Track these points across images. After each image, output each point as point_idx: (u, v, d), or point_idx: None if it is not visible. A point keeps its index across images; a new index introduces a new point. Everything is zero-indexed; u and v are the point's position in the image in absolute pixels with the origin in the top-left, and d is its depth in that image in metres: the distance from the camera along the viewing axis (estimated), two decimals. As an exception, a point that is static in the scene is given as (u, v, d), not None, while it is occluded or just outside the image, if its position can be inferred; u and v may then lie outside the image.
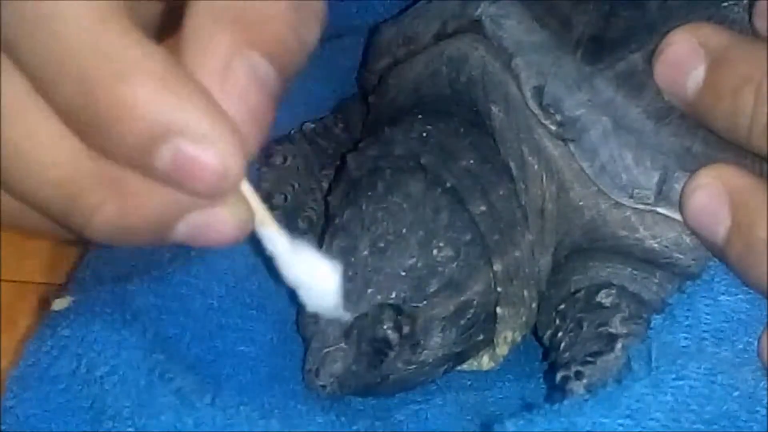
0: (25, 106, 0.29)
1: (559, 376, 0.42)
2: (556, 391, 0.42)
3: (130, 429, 0.40)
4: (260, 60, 0.30)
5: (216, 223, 0.31)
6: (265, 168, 0.51)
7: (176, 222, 0.31)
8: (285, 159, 0.51)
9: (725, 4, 0.44)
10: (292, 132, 0.52)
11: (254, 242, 0.33)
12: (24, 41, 0.28)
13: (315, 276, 0.34)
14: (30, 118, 0.30)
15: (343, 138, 0.53)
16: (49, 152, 0.30)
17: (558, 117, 0.44)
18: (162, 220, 0.31)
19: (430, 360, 0.43)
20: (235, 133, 0.29)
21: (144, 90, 0.28)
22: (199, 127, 0.29)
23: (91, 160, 0.30)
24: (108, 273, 0.46)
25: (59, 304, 0.44)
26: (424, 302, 0.42)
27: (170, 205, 0.31)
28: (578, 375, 0.41)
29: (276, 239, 0.33)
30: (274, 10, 0.30)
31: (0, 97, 0.29)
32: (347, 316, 0.41)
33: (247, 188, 0.31)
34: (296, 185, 0.50)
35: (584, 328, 0.43)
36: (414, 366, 0.43)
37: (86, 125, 0.29)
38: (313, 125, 0.53)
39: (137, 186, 0.30)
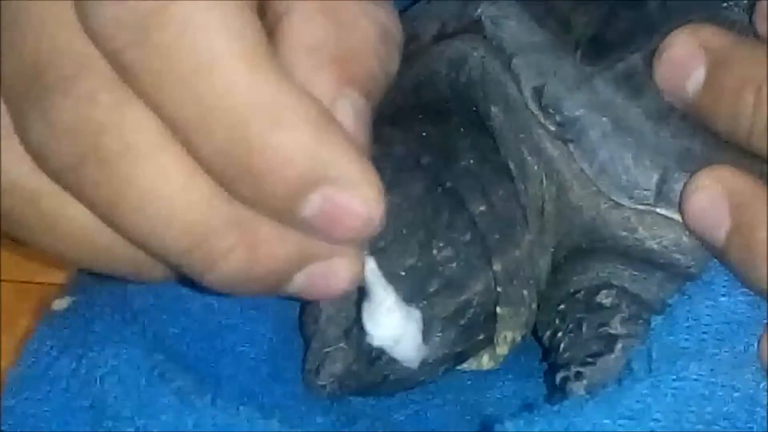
0: (158, 145, 0.29)
1: (558, 376, 0.42)
2: (556, 392, 0.42)
3: (130, 429, 0.40)
4: (359, 97, 0.30)
5: (333, 274, 0.31)
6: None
7: (298, 272, 0.31)
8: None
9: (725, 4, 0.44)
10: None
11: None
12: (170, 89, 0.28)
13: (406, 327, 0.35)
14: (163, 159, 0.29)
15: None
16: (183, 195, 0.29)
17: (557, 117, 0.44)
18: (286, 270, 0.31)
19: (431, 359, 0.43)
20: (378, 180, 0.29)
21: (302, 137, 0.28)
22: (349, 175, 0.29)
23: (224, 204, 0.29)
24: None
25: (59, 304, 0.44)
26: (424, 302, 0.42)
27: (299, 254, 0.30)
28: (578, 376, 0.41)
29: (377, 284, 0.33)
30: (366, 45, 0.30)
31: (133, 138, 0.29)
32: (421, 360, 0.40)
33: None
34: None
35: (584, 329, 0.43)
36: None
37: (233, 173, 0.29)
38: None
39: (270, 233, 0.30)
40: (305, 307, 0.44)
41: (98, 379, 0.41)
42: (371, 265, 0.33)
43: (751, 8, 0.43)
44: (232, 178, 0.29)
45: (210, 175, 0.29)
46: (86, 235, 0.31)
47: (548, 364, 0.44)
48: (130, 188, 0.29)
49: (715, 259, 0.40)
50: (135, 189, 0.29)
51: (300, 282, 0.31)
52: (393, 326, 0.35)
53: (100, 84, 0.29)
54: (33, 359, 0.42)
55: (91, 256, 0.32)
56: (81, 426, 0.41)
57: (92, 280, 0.45)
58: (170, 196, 0.29)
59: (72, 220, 0.31)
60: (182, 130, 0.29)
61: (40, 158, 0.30)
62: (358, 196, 0.29)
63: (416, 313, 0.37)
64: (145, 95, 0.29)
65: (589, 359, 0.41)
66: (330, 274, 0.31)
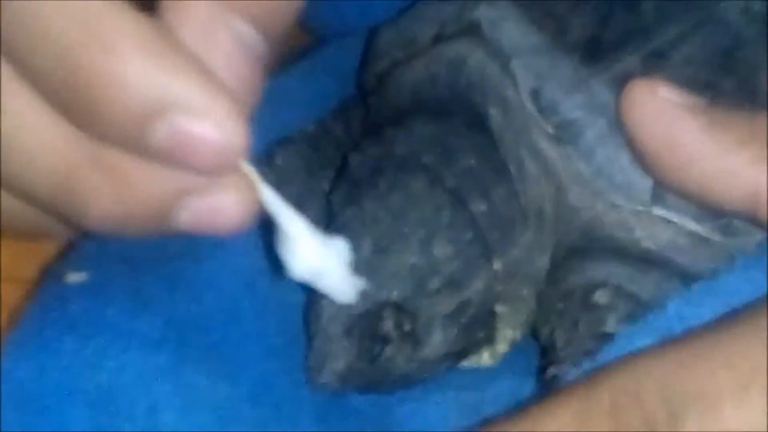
0: (11, 92, 0.28)
1: (549, 373, 0.42)
2: (545, 389, 0.42)
3: (127, 426, 0.41)
4: (245, 26, 0.28)
5: (220, 207, 0.30)
6: (265, 169, 0.51)
7: (177, 208, 0.29)
8: (285, 160, 0.51)
9: (721, 5, 0.44)
10: (293, 133, 0.53)
11: (264, 242, 0.32)
12: (6, 24, 0.27)
13: (326, 257, 0.33)
14: (17, 105, 0.28)
15: (344, 139, 0.53)
16: (40, 140, 0.29)
17: (555, 119, 0.44)
18: (162, 206, 0.29)
19: (431, 357, 0.43)
20: (234, 104, 0.28)
21: (133, 61, 0.27)
22: (195, 99, 0.27)
23: (84, 146, 0.29)
24: (113, 249, 0.45)
25: (72, 277, 0.43)
26: (426, 300, 0.43)
27: (169, 189, 0.29)
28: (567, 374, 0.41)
29: (285, 216, 0.31)
30: None
31: None
32: (354, 300, 0.40)
33: (249, 168, 0.30)
34: (297, 186, 0.50)
35: (580, 328, 0.43)
36: (415, 363, 0.43)
37: (73, 106, 0.28)
38: (313, 126, 0.53)
39: (133, 170, 0.29)
40: (310, 304, 0.44)
41: (104, 370, 0.41)
42: (269, 194, 0.31)
43: (747, 9, 0.43)
44: (75, 114, 0.28)
45: (55, 110, 0.28)
46: None
47: (545, 363, 0.44)
48: None
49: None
50: None
51: (186, 218, 0.30)
52: (310, 257, 0.32)
53: None
54: (35, 327, 0.42)
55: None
56: (77, 408, 0.40)
57: (102, 255, 0.45)
58: (29, 138, 0.28)
59: None
60: (22, 68, 0.28)
61: None
62: (208, 123, 0.27)
63: (338, 242, 0.35)
64: None
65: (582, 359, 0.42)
66: (217, 207, 0.30)
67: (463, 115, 0.47)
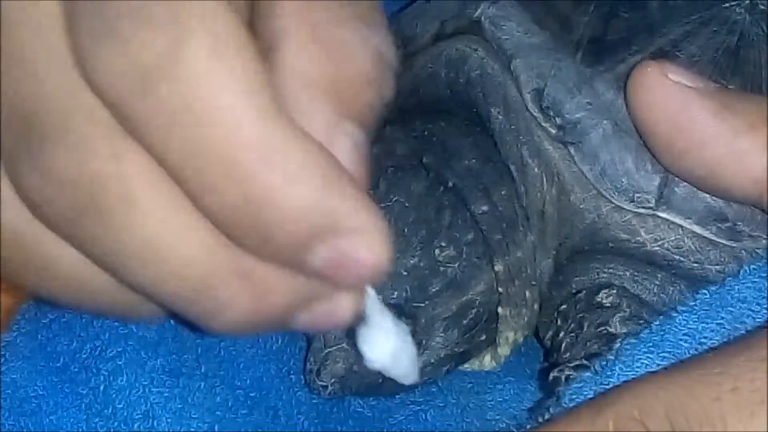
0: (159, 197, 0.28)
1: (551, 375, 0.42)
2: (547, 393, 0.42)
3: (123, 430, 0.40)
4: (356, 129, 0.29)
5: (337, 310, 0.31)
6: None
7: (301, 312, 0.31)
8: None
9: (726, 5, 0.44)
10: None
11: None
12: (175, 141, 0.27)
13: (402, 349, 0.34)
14: (164, 211, 0.28)
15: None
16: (185, 246, 0.29)
17: (558, 120, 0.44)
18: (290, 312, 0.30)
19: (432, 360, 0.43)
20: (384, 224, 0.29)
21: (310, 191, 0.28)
22: (357, 224, 0.28)
23: (227, 253, 0.29)
24: None
25: None
26: (426, 302, 0.42)
27: (302, 298, 0.30)
28: (569, 379, 0.41)
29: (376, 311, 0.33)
30: (361, 74, 0.29)
31: (133, 188, 0.28)
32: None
33: None
34: None
35: (585, 329, 0.43)
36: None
37: (240, 225, 0.28)
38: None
39: (275, 280, 0.29)
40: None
41: (100, 373, 0.41)
42: (371, 293, 0.33)
43: (752, 8, 0.43)
44: (239, 231, 0.28)
45: (215, 226, 0.29)
46: (81, 280, 0.31)
47: (548, 365, 0.44)
48: (131, 240, 0.28)
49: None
50: (135, 241, 0.28)
51: (304, 320, 0.31)
52: (390, 348, 0.34)
53: (98, 133, 0.28)
54: (29, 328, 0.42)
55: (86, 298, 0.32)
56: (72, 410, 0.40)
57: None
58: (172, 247, 0.29)
59: (67, 265, 0.30)
60: (187, 183, 0.28)
61: (35, 208, 0.29)
62: (365, 246, 0.28)
63: (407, 329, 0.36)
64: (148, 146, 0.28)
65: (585, 362, 0.41)
66: (334, 309, 0.31)
67: (463, 115, 0.46)
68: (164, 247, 0.29)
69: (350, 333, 0.41)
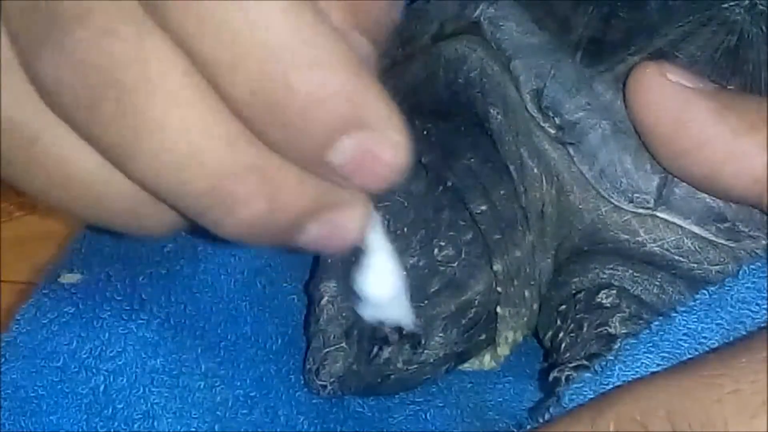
0: (182, 81, 0.28)
1: (551, 376, 0.42)
2: (547, 393, 0.42)
3: (123, 430, 0.40)
4: (363, 40, 0.29)
5: (343, 225, 0.30)
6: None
7: (312, 220, 0.30)
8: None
9: (726, 5, 0.44)
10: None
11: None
12: (200, 24, 0.27)
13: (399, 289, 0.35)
14: (186, 95, 0.28)
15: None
16: (205, 134, 0.28)
17: (557, 120, 0.44)
18: (302, 219, 0.30)
19: (431, 360, 0.43)
20: (404, 125, 0.28)
21: (339, 78, 0.27)
22: (382, 119, 0.28)
23: (248, 147, 0.28)
24: (108, 249, 0.45)
25: (68, 278, 0.43)
26: (425, 302, 0.42)
27: (316, 203, 0.30)
28: (569, 379, 0.41)
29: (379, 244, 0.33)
30: None
31: (152, 71, 0.28)
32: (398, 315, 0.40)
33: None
34: None
35: (584, 329, 0.43)
36: (415, 365, 0.43)
37: (265, 115, 0.28)
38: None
39: (292, 181, 0.29)
40: (311, 307, 0.44)
41: (100, 372, 0.41)
42: (376, 223, 0.33)
43: (751, 8, 0.43)
44: (263, 120, 0.28)
45: (238, 115, 0.28)
46: (92, 182, 0.30)
47: (548, 366, 0.44)
48: (149, 125, 0.28)
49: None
50: (154, 126, 0.28)
51: (313, 233, 0.30)
52: (389, 287, 0.34)
53: (122, 15, 0.27)
54: (28, 327, 0.42)
55: (95, 205, 0.31)
56: (72, 410, 0.40)
57: (96, 256, 0.45)
58: (191, 134, 0.28)
59: (77, 164, 0.30)
60: (211, 67, 0.27)
61: (51, 95, 0.29)
62: (389, 143, 0.28)
63: (404, 275, 0.37)
64: (172, 30, 0.27)
65: (585, 362, 0.41)
66: (341, 225, 0.30)
67: (462, 115, 0.46)
68: (184, 136, 0.28)
69: (350, 332, 0.42)
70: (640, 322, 0.42)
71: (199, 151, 0.28)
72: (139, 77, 0.28)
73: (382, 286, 0.34)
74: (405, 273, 0.36)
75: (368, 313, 0.35)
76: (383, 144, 0.28)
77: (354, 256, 0.34)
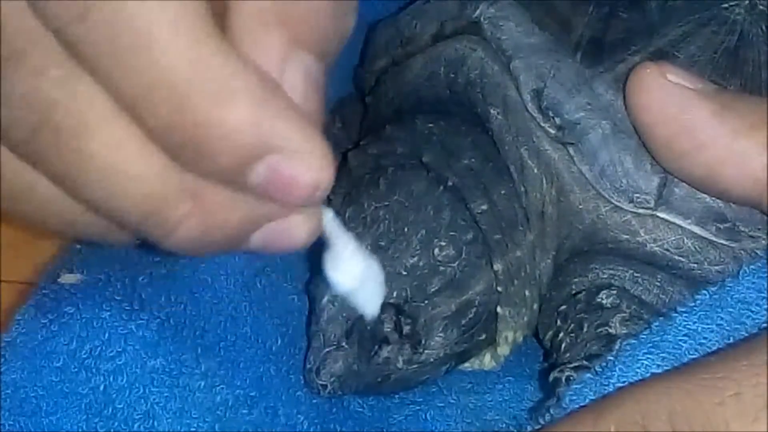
0: (108, 118, 0.29)
1: (551, 376, 0.42)
2: (547, 394, 0.42)
3: (123, 430, 0.40)
4: (311, 58, 0.30)
5: (291, 230, 0.32)
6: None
7: (254, 232, 0.31)
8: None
9: (726, 5, 0.44)
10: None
11: None
12: (113, 64, 0.28)
13: (367, 276, 0.36)
14: (113, 132, 0.29)
15: (341, 137, 0.53)
16: (136, 167, 0.30)
17: (557, 120, 0.44)
18: (241, 232, 0.31)
19: (431, 359, 0.43)
20: (324, 145, 0.29)
21: (244, 111, 0.28)
22: (293, 144, 0.29)
23: (176, 174, 0.30)
24: (108, 249, 0.45)
25: (67, 278, 0.43)
26: (426, 302, 0.42)
27: (252, 217, 0.31)
28: (569, 380, 0.41)
29: (340, 237, 0.34)
30: (316, 4, 0.30)
31: (83, 111, 0.29)
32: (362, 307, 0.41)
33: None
34: None
35: (584, 329, 0.43)
36: (415, 365, 0.43)
37: (179, 146, 0.29)
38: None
39: (221, 199, 0.30)
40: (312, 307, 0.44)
41: (100, 372, 0.41)
42: (329, 215, 0.34)
43: (752, 8, 0.43)
44: (179, 151, 0.29)
45: (160, 148, 0.29)
46: (55, 205, 0.32)
47: (548, 366, 0.44)
48: (84, 160, 0.29)
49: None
50: (88, 161, 0.29)
51: (258, 240, 0.32)
52: (355, 272, 0.35)
53: (50, 59, 0.29)
54: (27, 328, 0.42)
55: (63, 223, 0.33)
56: (72, 411, 0.40)
57: (96, 257, 0.45)
58: (122, 167, 0.30)
59: (40, 191, 0.31)
60: (128, 104, 0.29)
61: (2, 133, 0.30)
62: (303, 165, 0.29)
63: (374, 260, 0.38)
64: (92, 70, 0.29)
65: (585, 362, 0.41)
66: (287, 230, 0.32)
67: (463, 115, 0.46)
68: (114, 169, 0.30)
69: (350, 332, 0.42)
70: (641, 322, 0.42)
71: (131, 182, 0.30)
72: (69, 116, 0.29)
73: (345, 275, 0.36)
74: (373, 262, 0.37)
75: (340, 292, 0.37)
76: (297, 166, 0.29)
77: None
